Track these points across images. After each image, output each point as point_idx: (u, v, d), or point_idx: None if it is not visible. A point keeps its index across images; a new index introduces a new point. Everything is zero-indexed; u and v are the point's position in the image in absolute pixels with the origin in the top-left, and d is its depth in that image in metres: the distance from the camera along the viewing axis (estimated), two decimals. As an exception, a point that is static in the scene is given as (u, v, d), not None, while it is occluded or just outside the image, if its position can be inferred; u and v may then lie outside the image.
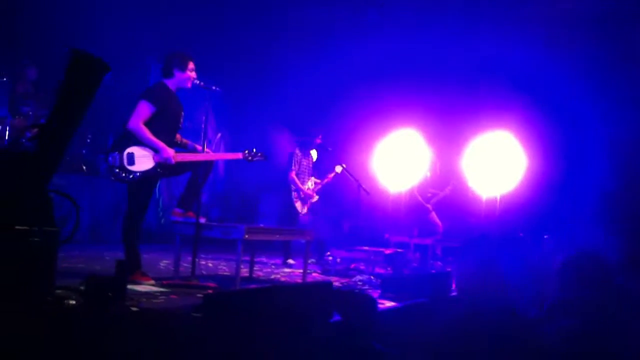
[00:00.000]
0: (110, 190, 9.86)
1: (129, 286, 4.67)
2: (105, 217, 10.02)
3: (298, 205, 9.55)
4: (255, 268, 7.67)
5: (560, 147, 11.09)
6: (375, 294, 6.11)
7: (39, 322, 2.99)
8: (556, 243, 9.12)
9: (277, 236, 7.65)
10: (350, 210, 10.71)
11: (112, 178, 5.93)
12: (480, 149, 11.36)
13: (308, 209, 9.70)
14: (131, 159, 5.86)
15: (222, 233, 6.27)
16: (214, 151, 6.72)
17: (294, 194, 9.53)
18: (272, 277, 7.74)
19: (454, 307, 3.59)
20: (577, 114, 10.96)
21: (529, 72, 11.02)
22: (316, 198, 9.81)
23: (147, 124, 5.92)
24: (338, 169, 9.82)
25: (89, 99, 3.93)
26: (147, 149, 5.91)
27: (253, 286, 6.52)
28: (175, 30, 10.34)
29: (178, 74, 6.17)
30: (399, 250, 9.26)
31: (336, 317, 3.85)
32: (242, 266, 6.41)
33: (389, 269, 8.81)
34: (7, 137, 9.05)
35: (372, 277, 7.56)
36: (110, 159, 5.87)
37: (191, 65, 6.20)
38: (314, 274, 8.22)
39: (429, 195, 10.91)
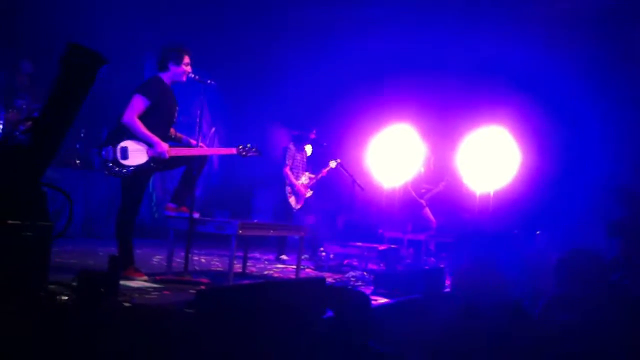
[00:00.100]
0: (104, 184, 9.81)
1: (122, 282, 4.66)
2: (99, 212, 9.98)
3: (292, 200, 9.53)
4: (248, 264, 7.67)
5: (554, 144, 11.10)
6: (368, 290, 6.11)
7: (31, 317, 2.97)
8: (549, 239, 9.13)
9: (271, 232, 7.65)
10: (345, 206, 10.71)
11: (106, 172, 5.90)
12: (474, 144, 11.37)
13: (302, 204, 9.68)
14: (125, 153, 5.84)
15: (216, 228, 6.26)
16: (208, 145, 6.69)
17: (287, 189, 9.51)
18: (266, 273, 7.74)
19: (448, 303, 3.59)
20: (573, 110, 10.97)
21: (524, 69, 11.02)
22: (310, 193, 9.80)
23: (142, 118, 5.90)
24: (332, 164, 9.81)
25: (85, 92, 3.90)
26: (141, 143, 5.89)
27: (246, 282, 6.51)
28: (171, 24, 10.32)
29: (173, 68, 6.15)
30: (392, 246, 9.27)
31: (329, 314, 3.84)
32: (235, 262, 6.41)
33: (382, 265, 8.82)
34: (0, 131, 9.00)
35: (365, 273, 7.55)
36: (103, 152, 5.85)
37: (186, 59, 6.19)
38: (307, 270, 8.23)
39: (423, 190, 10.92)
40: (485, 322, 3.08)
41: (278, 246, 9.51)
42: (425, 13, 10.77)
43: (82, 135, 10.26)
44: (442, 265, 8.59)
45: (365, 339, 3.48)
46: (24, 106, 9.27)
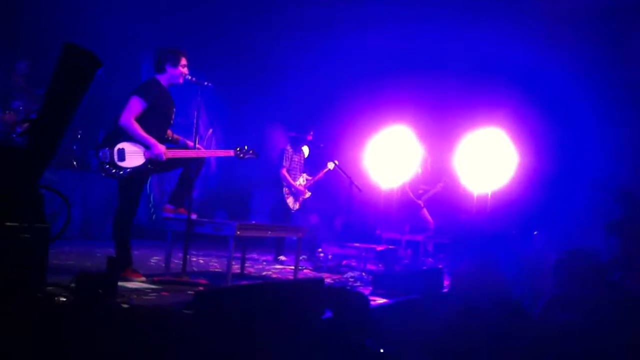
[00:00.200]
0: (101, 186, 9.80)
1: (120, 283, 4.65)
2: (96, 213, 9.96)
3: (290, 201, 9.53)
4: (246, 265, 7.66)
5: (551, 144, 11.10)
6: (366, 290, 6.10)
7: (29, 318, 2.97)
8: (547, 239, 9.14)
9: (269, 233, 7.63)
10: (343, 207, 10.70)
11: (103, 174, 5.90)
12: (471, 145, 11.38)
13: (300, 205, 9.68)
14: (122, 155, 5.83)
15: (214, 229, 6.25)
16: (205, 147, 6.69)
17: (285, 190, 9.51)
18: (264, 273, 7.73)
19: (447, 303, 3.59)
20: (570, 110, 10.96)
21: (523, 68, 11.02)
22: (308, 194, 9.79)
23: (139, 120, 5.89)
24: (330, 165, 9.81)
25: (82, 94, 3.90)
26: (138, 145, 5.88)
27: (244, 283, 6.50)
28: (168, 25, 10.30)
29: (170, 70, 6.14)
30: (390, 247, 9.26)
31: (328, 314, 3.84)
32: (233, 263, 6.40)
33: (380, 265, 8.82)
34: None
35: (363, 274, 7.55)
36: (100, 154, 5.84)
37: (183, 60, 6.18)
38: (305, 271, 8.21)
39: (421, 191, 10.92)
40: (485, 322, 3.08)
41: (276, 247, 9.50)
42: (420, 11, 10.75)
43: (79, 136, 10.25)
44: (440, 266, 8.59)
45: (363, 339, 3.48)
46: (20, 107, 9.26)
